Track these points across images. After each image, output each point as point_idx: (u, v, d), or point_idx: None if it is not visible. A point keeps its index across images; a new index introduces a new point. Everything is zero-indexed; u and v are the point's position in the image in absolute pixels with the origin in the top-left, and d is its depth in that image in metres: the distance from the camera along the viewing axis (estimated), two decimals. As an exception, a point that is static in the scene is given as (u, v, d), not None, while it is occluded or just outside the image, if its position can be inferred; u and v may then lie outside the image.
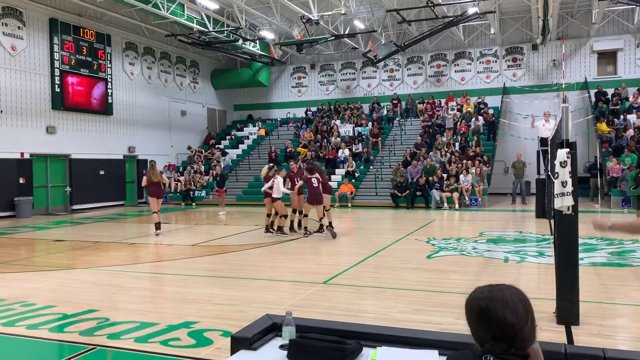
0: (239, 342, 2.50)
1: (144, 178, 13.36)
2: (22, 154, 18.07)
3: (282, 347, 2.45)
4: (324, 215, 12.02)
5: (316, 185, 11.77)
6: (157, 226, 12.97)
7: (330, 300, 6.28)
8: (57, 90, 19.33)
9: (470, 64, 25.34)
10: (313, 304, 6.14)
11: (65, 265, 9.05)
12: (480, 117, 22.76)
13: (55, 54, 19.23)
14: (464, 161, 19.63)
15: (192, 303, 6.30)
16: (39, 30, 18.79)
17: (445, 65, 25.75)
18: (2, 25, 17.51)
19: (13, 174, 17.63)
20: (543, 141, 15.44)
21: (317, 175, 11.91)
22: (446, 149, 21.15)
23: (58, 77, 19.35)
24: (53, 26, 19.19)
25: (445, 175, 19.15)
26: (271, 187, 12.36)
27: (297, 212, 13.01)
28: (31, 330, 5.33)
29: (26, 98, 18.32)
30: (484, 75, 25.07)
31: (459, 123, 22.87)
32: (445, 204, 18.26)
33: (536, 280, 7.44)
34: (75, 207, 19.94)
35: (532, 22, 22.84)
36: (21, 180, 17.89)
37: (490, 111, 23.13)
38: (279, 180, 12.29)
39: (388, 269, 8.34)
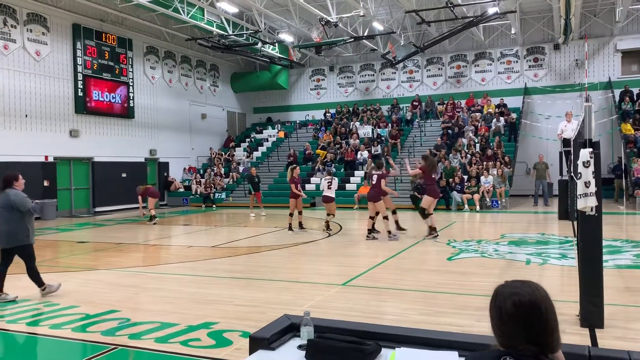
0: (258, 342, 2.51)
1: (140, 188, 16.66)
2: (46, 157, 18.41)
3: (300, 347, 2.45)
4: (375, 215, 11.63)
5: (374, 182, 11.48)
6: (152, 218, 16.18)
7: (349, 302, 6.26)
8: (80, 94, 19.66)
9: (490, 64, 25.10)
10: (331, 305, 6.13)
11: (88, 267, 9.19)
12: (501, 118, 22.52)
13: (78, 58, 19.57)
14: (485, 162, 19.44)
15: (212, 304, 6.34)
16: (62, 36, 19.14)
17: (466, 66, 25.55)
18: (27, 31, 17.87)
19: (38, 177, 17.94)
20: (566, 142, 15.22)
21: (379, 172, 11.58)
22: (466, 151, 20.96)
23: (81, 82, 19.68)
24: (76, 31, 19.53)
25: (465, 177, 18.99)
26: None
27: (298, 213, 13.38)
28: (55, 329, 5.41)
29: (50, 102, 18.66)
30: (505, 76, 24.80)
31: (479, 124, 22.66)
32: (466, 206, 18.10)
33: (559, 283, 7.32)
34: (97, 209, 20.24)
35: (553, 22, 22.52)
36: (45, 183, 18.22)
37: (513, 115, 22.83)
38: (321, 182, 12.76)
39: (408, 271, 8.29)
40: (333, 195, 12.88)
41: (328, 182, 12.85)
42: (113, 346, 4.86)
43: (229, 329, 5.26)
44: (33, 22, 18.10)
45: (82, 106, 19.74)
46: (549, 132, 21.62)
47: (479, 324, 5.04)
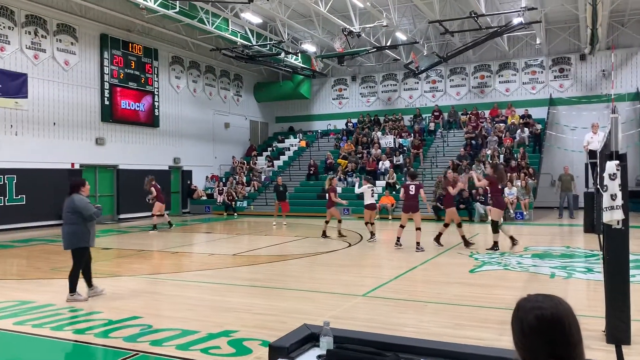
0: (277, 351, 2.51)
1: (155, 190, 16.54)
2: (72, 164, 18.77)
3: (319, 357, 2.44)
4: (405, 225, 11.70)
5: (413, 192, 11.41)
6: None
7: (370, 313, 6.23)
8: (107, 103, 20.03)
9: (515, 74, 24.87)
10: (352, 316, 6.10)
11: (111, 273, 9.30)
12: (525, 129, 22.27)
13: (105, 68, 19.97)
14: (509, 174, 19.19)
15: (232, 312, 6.37)
16: (90, 46, 19.56)
17: (490, 76, 25.36)
18: (57, 41, 18.32)
19: (64, 184, 18.23)
20: (592, 153, 14.96)
21: (416, 182, 11.59)
22: (490, 161, 20.72)
23: (107, 91, 20.07)
24: (104, 41, 19.95)
25: (489, 188, 18.75)
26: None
27: (336, 222, 13.85)
28: (78, 334, 5.49)
29: (77, 111, 19.05)
30: (530, 86, 24.55)
31: (503, 135, 22.44)
32: (489, 218, 17.83)
33: (584, 297, 7.18)
34: (121, 216, 20.53)
35: (580, 32, 22.26)
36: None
37: (538, 125, 22.54)
38: (364, 189, 13.06)
39: (429, 282, 8.22)
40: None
41: (372, 190, 13.28)
42: (134, 352, 4.91)
43: (249, 337, 5.27)
44: (62, 33, 18.54)
45: (109, 115, 20.10)
46: (575, 143, 21.28)
47: (500, 338, 4.96)
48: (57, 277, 8.83)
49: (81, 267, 7.14)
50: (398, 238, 11.66)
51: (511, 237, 11.35)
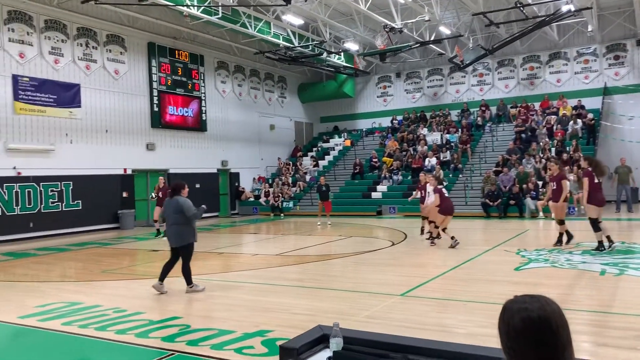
0: (287, 353, 2.51)
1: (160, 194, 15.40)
2: (125, 169, 19.46)
3: (329, 359, 2.43)
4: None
5: (447, 194, 11.64)
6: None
7: (406, 313, 6.14)
8: (156, 109, 20.66)
9: (566, 64, 23.96)
10: (387, 316, 6.03)
11: (156, 274, 9.51)
12: (578, 120, 21.41)
13: (153, 75, 20.60)
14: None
15: (270, 312, 6.42)
16: (138, 54, 20.22)
17: (539, 67, 24.54)
18: (107, 51, 19.04)
19: (117, 189, 19.02)
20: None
21: (442, 186, 11.81)
22: (541, 155, 20.06)
23: (156, 97, 20.69)
24: (151, 50, 20.58)
25: (540, 183, 18.16)
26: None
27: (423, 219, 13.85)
28: (120, 335, 5.68)
29: (128, 118, 19.74)
30: (582, 76, 23.58)
31: (554, 127, 21.66)
32: (541, 213, 17.27)
33: (635, 295, 6.82)
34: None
35: (635, 16, 21.20)
36: (124, 194, 19.25)
37: (590, 115, 21.62)
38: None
39: (471, 281, 8.02)
40: None
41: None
42: (171, 352, 5.03)
43: (282, 337, 5.28)
44: (112, 43, 19.25)
45: (158, 121, 20.72)
46: (633, 133, 20.34)
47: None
48: (110, 279, 9.20)
49: (190, 260, 7.75)
50: (439, 236, 11.87)
51: (567, 232, 10.80)
